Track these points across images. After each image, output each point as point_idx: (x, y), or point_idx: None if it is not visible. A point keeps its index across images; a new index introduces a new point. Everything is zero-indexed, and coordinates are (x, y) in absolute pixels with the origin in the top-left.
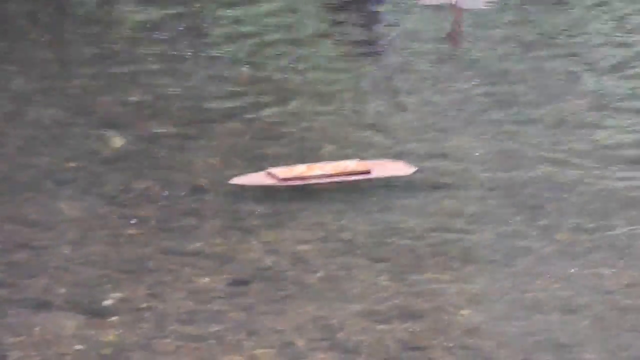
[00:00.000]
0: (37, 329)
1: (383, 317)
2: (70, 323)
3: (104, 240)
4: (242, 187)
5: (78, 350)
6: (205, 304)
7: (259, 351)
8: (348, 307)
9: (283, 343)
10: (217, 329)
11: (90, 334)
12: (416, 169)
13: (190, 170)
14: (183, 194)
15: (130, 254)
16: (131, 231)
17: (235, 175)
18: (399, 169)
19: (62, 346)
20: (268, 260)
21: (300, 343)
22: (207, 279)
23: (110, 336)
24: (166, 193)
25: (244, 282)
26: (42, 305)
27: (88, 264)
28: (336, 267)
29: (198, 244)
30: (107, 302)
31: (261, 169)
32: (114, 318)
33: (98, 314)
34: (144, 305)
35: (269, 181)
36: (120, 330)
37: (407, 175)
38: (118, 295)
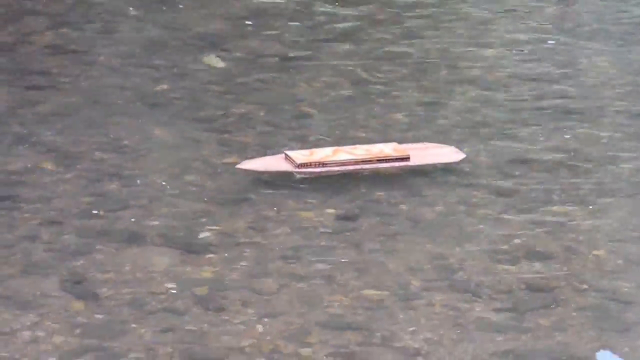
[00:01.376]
0: (127, 265)
1: (507, 256)
2: (163, 259)
3: (200, 169)
4: (253, 173)
5: (171, 288)
6: (310, 239)
7: (368, 292)
8: (468, 245)
9: (395, 283)
10: (323, 267)
11: (185, 272)
12: (465, 155)
13: (294, 94)
14: (286, 119)
15: (229, 184)
16: (230, 160)
17: (345, 98)
18: (445, 155)
19: (154, 284)
20: (379, 193)
21: (415, 283)
22: (312, 213)
23: (207, 274)
24: (266, 118)
25: (352, 217)
26: (134, 240)
27: (183, 195)
28: (455, 201)
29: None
30: (204, 237)
31: (368, 94)
32: (210, 254)
33: (193, 249)
34: (244, 240)
35: (283, 167)
36: (217, 268)
37: (455, 163)
38: (216, 229)
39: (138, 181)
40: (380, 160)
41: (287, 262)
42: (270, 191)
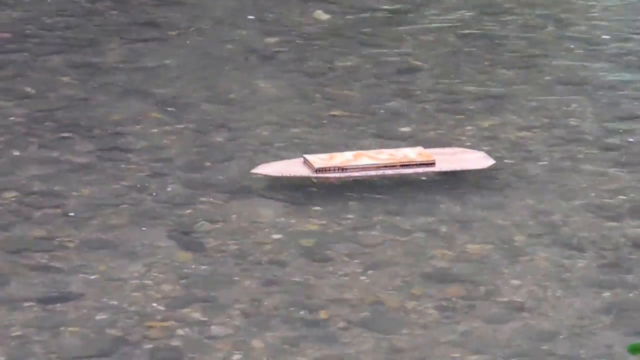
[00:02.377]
0: (234, 215)
1: (613, 212)
2: (269, 211)
3: (305, 122)
4: (267, 179)
5: (277, 239)
6: (414, 193)
7: (473, 246)
8: (573, 200)
9: (500, 238)
10: (427, 220)
11: (290, 224)
12: (494, 162)
13: (400, 48)
14: (391, 73)
15: (334, 137)
16: (335, 112)
17: (451, 53)
18: (473, 160)
19: (260, 235)
20: (485, 148)
21: (519, 238)
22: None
23: (312, 226)
24: (372, 72)
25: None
26: (240, 191)
27: (289, 148)
28: (560, 156)
29: (407, 129)
30: (310, 189)
31: (474, 49)
32: (316, 207)
33: (299, 201)
34: (349, 193)
35: (301, 171)
36: (323, 220)
37: (484, 170)
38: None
39: (244, 133)
40: (403, 166)
41: (391, 216)
42: (377, 142)
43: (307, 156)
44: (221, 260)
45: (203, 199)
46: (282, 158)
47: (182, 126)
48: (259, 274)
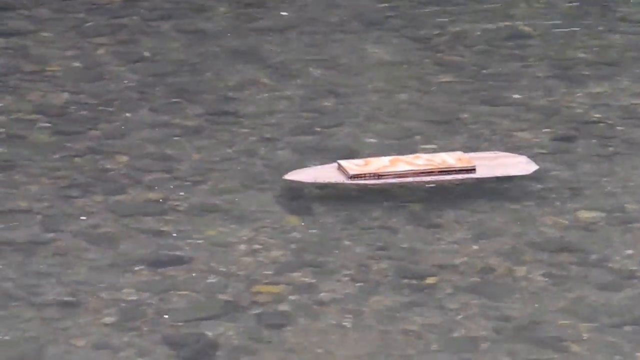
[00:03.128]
0: None
1: None
2: None
3: (415, 88)
4: (301, 184)
5: (386, 205)
6: None
7: (584, 214)
8: None
9: (611, 206)
10: (538, 188)
11: (400, 189)
12: (537, 167)
13: (512, 14)
14: (502, 38)
15: (444, 103)
16: (445, 79)
17: (563, 17)
18: (515, 165)
19: (369, 201)
20: (596, 114)
21: (631, 206)
22: (527, 133)
23: (421, 192)
24: (483, 38)
25: (568, 138)
26: (349, 156)
27: (397, 114)
28: None
29: (518, 95)
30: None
31: (587, 14)
32: None
33: None
34: None
35: (335, 178)
36: (432, 185)
37: (526, 175)
38: (431, 147)
39: (353, 99)
40: (442, 172)
41: (501, 183)
42: (487, 108)
43: (342, 162)
44: (330, 226)
45: (313, 162)
46: (390, 124)
47: (291, 92)
48: (367, 240)
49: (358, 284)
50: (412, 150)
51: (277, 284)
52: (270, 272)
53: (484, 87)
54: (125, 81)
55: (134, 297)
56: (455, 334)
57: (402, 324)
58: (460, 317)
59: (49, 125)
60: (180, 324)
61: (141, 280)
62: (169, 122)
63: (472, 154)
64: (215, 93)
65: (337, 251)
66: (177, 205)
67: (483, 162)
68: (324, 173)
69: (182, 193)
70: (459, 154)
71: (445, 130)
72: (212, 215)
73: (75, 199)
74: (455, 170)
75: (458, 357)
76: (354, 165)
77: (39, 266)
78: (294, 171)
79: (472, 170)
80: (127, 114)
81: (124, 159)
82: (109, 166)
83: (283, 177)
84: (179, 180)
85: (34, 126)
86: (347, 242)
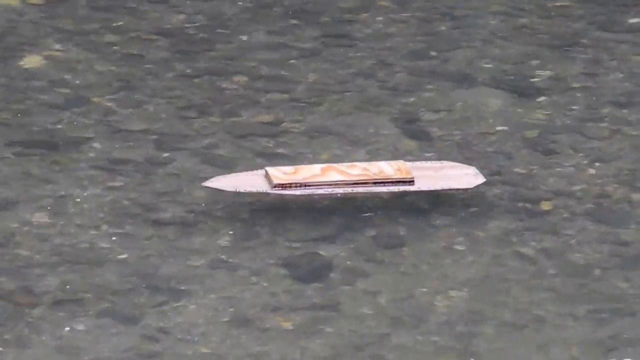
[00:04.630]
0: (458, 104)
1: None
2: (494, 101)
3: (533, 11)
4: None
5: (501, 131)
6: None
7: None
8: None
9: None
10: None
11: (516, 114)
12: (484, 180)
13: None
14: None
15: (563, 27)
16: (564, 2)
17: None
18: (459, 178)
19: (485, 125)
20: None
21: None
22: None
23: (537, 117)
24: None
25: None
26: (465, 80)
27: (516, 38)
28: None
29: (636, 20)
30: (536, 80)
31: None
32: (542, 98)
33: (525, 92)
34: (576, 85)
35: (257, 186)
36: (549, 111)
37: (469, 189)
38: (548, 73)
39: (470, 22)
40: (377, 183)
41: (618, 108)
42: (608, 35)
43: (269, 169)
44: (445, 149)
45: (428, 87)
46: (507, 48)
47: (408, 14)
48: (483, 164)
49: (472, 209)
50: (528, 76)
51: (392, 207)
52: (386, 195)
53: (603, 12)
54: (241, 2)
55: (250, 218)
56: (571, 259)
57: (516, 248)
58: (575, 242)
59: (166, 45)
60: (295, 244)
61: (257, 201)
62: (285, 43)
63: (418, 164)
64: (332, 15)
65: None
66: (292, 127)
67: (427, 172)
68: (248, 180)
69: (298, 115)
70: (400, 163)
71: (564, 55)
72: (327, 138)
73: (191, 119)
74: (392, 181)
75: (573, 282)
76: (281, 174)
77: (156, 185)
78: (216, 178)
79: (410, 181)
80: (243, 36)
81: (241, 80)
82: (225, 87)
83: (202, 184)
84: (294, 102)
85: (152, 46)
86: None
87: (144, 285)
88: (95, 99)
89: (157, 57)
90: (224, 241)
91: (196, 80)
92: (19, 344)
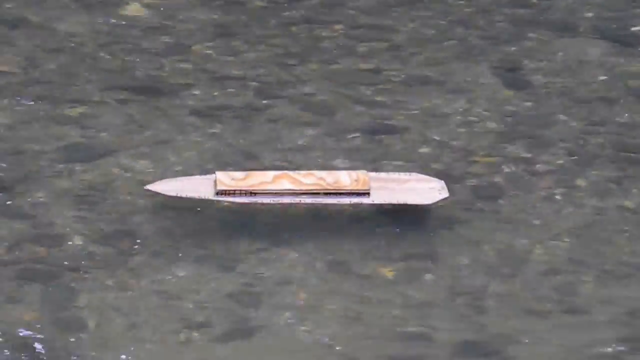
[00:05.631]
0: (560, 54)
1: None
2: (595, 50)
3: None
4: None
5: (603, 80)
6: None
7: None
8: None
9: None
10: None
11: (618, 63)
12: (446, 196)
13: None
14: None
15: None
16: None
17: None
18: (422, 192)
19: (586, 74)
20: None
21: None
22: None
23: (638, 67)
24: None
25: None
26: (567, 29)
27: None
28: None
29: None
30: (637, 29)
31: None
32: None
33: (626, 41)
34: None
35: (201, 191)
36: None
37: (426, 205)
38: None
39: None
40: (329, 194)
41: None
42: None
43: (219, 173)
44: (547, 98)
45: (529, 35)
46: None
47: None
48: (584, 114)
49: (574, 157)
50: (630, 25)
51: (492, 155)
52: (485, 144)
53: None
54: None
55: (348, 166)
56: None
57: (617, 198)
58: None
59: None
60: None
61: (355, 149)
62: None
63: (383, 175)
64: None
65: (553, 124)
66: (392, 75)
67: (389, 184)
68: (195, 185)
69: (397, 63)
70: (361, 173)
71: None
72: (427, 87)
73: (291, 66)
74: (345, 193)
75: None
76: (229, 180)
77: (254, 132)
78: (164, 180)
79: (365, 194)
80: None
81: (340, 27)
82: (324, 35)
83: (145, 187)
84: (394, 50)
85: None
86: (563, 116)
87: (243, 232)
88: (195, 47)
89: (256, 5)
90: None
91: (295, 28)
92: (119, 289)
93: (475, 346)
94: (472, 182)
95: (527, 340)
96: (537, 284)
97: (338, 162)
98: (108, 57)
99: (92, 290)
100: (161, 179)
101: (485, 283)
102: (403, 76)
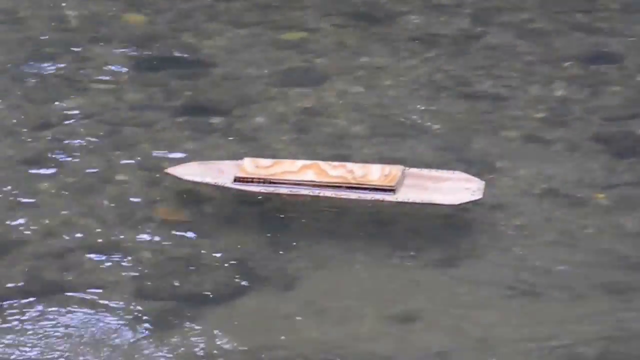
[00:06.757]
0: None
1: None
2: None
3: None
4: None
5: None
6: None
7: None
8: None
9: None
10: None
11: None
12: (478, 197)
13: None
14: None
15: None
16: None
17: None
18: (456, 192)
19: None
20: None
21: None
22: None
23: None
24: None
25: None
26: None
27: None
28: None
29: None
30: None
31: None
32: None
33: None
34: None
35: (219, 179)
36: None
37: (450, 206)
38: None
39: None
40: (351, 188)
41: None
42: None
43: (247, 159)
44: None
45: None
46: None
47: None
48: None
49: None
50: None
51: None
52: None
53: None
54: None
55: (564, 93)
56: None
57: None
58: None
59: None
60: (609, 121)
61: (572, 76)
62: None
63: (424, 171)
64: None
65: None
66: (610, 2)
67: (423, 182)
68: (217, 170)
69: None
70: (395, 168)
71: None
72: None
73: None
74: (370, 188)
75: None
76: (252, 167)
77: (470, 59)
78: (188, 164)
79: (390, 190)
80: None
81: None
82: None
83: (164, 170)
84: None
85: None
86: None
87: (455, 159)
88: None
89: None
90: (539, 115)
91: None
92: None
93: None
94: None
95: None
96: None
97: (554, 88)
98: None
99: None
100: (376, 105)
101: None
102: (621, 3)
